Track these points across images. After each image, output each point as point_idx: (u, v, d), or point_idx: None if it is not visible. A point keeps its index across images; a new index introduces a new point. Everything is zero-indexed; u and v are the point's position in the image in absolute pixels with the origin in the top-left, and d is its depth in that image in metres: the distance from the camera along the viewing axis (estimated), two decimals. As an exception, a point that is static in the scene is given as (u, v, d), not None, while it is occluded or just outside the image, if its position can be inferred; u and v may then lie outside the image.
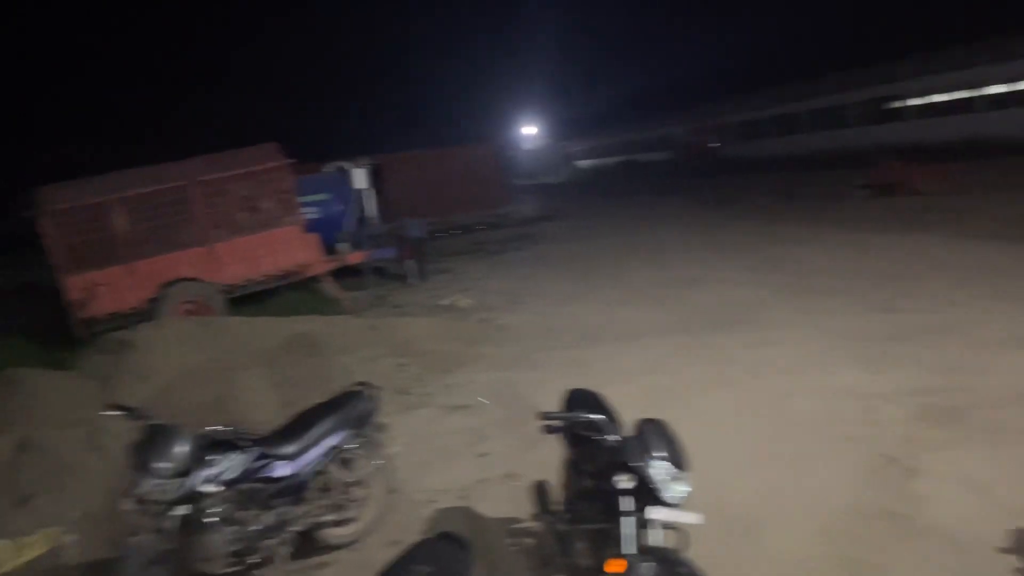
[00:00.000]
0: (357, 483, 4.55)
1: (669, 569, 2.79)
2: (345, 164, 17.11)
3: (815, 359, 7.13)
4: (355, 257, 13.97)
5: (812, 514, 4.29)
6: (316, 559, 4.44)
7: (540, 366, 8.00)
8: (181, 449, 3.70)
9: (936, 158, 21.72)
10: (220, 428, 3.92)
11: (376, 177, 19.77)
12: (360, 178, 16.86)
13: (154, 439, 3.70)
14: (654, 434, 3.00)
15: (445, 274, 15.73)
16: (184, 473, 3.70)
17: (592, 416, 3.08)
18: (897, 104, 34.91)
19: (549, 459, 4.03)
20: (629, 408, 6.35)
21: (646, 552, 2.85)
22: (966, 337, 7.22)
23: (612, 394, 6.44)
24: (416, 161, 24.44)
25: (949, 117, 31.32)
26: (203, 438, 3.82)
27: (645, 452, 2.92)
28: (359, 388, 4.67)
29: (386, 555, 4.54)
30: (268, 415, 6.73)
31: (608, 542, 3.13)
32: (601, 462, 3.14)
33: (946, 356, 6.72)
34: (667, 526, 2.93)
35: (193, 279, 11.37)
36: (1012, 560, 3.57)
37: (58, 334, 10.79)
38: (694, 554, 3.05)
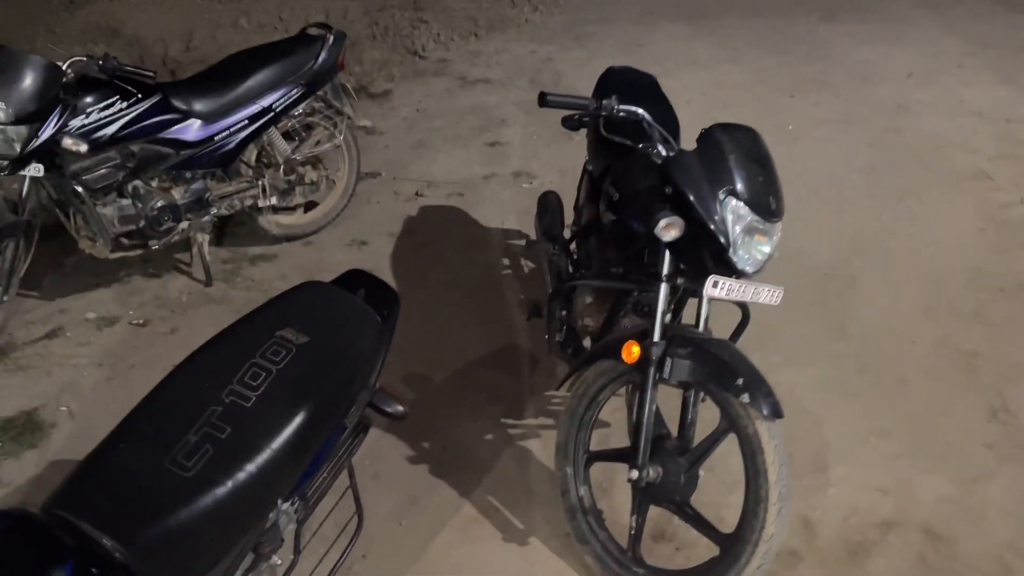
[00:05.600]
0: (309, 161, 3.41)
1: (711, 368, 1.68)
2: None
3: (942, 66, 5.47)
4: None
5: (923, 279, 3.13)
6: (253, 249, 3.47)
7: (590, 42, 6.39)
8: (28, 84, 2.52)
9: None
10: (91, 60, 2.69)
11: None
12: None
13: None
14: (733, 152, 1.68)
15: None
16: (34, 118, 2.55)
17: (629, 108, 1.76)
18: None
19: (576, 162, 2.84)
20: (691, 108, 5.04)
21: (681, 339, 1.73)
22: None
23: (674, 85, 5.00)
24: None
25: None
26: (63, 71, 2.61)
27: (713, 181, 1.65)
28: (318, 32, 3.31)
29: (344, 258, 3.60)
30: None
31: (624, 305, 2.01)
32: (636, 185, 1.90)
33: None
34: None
35: None
36: None
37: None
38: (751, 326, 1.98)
